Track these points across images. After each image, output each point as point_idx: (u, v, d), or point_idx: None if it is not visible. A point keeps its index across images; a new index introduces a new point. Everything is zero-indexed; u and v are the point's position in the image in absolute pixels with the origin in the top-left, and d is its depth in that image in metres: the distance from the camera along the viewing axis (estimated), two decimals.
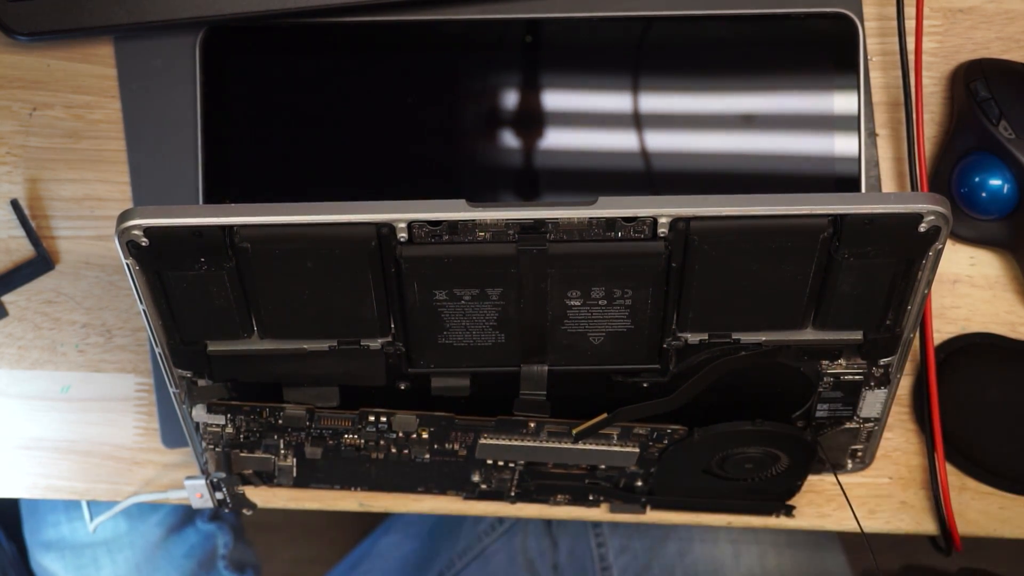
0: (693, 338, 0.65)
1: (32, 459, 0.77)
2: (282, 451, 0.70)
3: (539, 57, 0.73)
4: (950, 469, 0.75)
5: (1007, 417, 0.74)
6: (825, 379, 0.68)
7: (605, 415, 0.68)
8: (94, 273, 0.76)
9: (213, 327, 0.63)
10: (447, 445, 0.69)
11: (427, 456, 0.70)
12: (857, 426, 0.71)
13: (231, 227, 0.58)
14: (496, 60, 0.73)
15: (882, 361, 0.67)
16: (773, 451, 0.69)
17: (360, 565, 1.05)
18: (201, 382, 0.67)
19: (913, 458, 0.76)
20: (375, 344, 0.65)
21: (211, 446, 0.70)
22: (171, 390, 0.67)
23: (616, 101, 0.72)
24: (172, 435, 0.76)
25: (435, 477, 0.71)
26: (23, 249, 0.76)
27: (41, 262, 0.75)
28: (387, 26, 0.73)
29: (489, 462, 0.70)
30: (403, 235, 0.59)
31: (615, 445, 0.68)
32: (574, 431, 0.70)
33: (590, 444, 0.68)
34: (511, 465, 0.70)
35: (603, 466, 0.70)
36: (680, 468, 0.70)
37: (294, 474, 0.71)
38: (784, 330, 0.64)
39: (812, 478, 0.75)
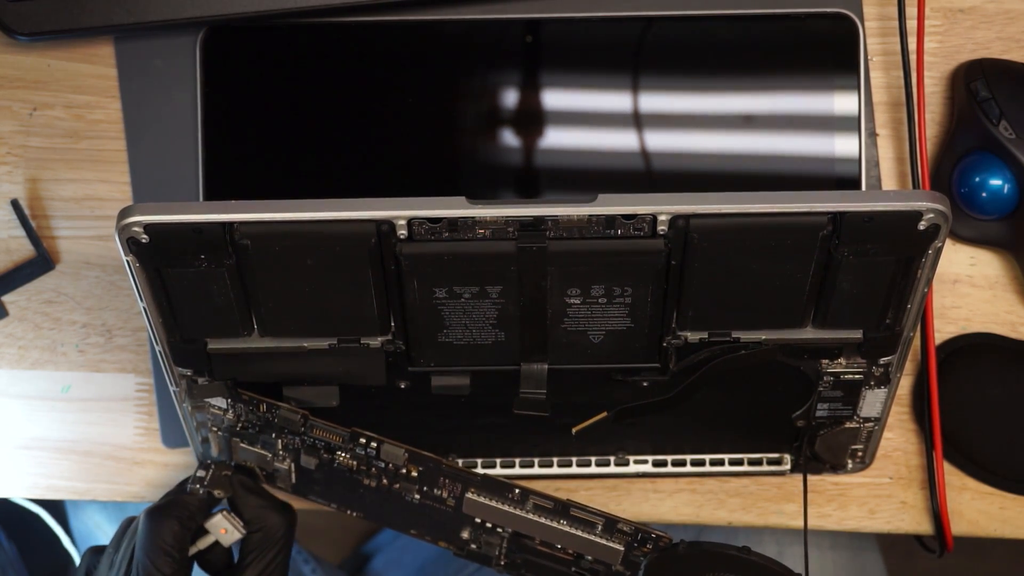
0: (693, 336, 0.64)
1: (32, 459, 0.77)
2: (280, 451, 0.69)
3: (539, 57, 0.73)
4: (951, 469, 0.75)
5: (1007, 417, 0.74)
6: (825, 378, 0.68)
7: (604, 413, 0.69)
8: (94, 273, 0.76)
9: (213, 325, 0.63)
10: (436, 491, 0.68)
11: (417, 497, 0.69)
12: (857, 426, 0.71)
13: (231, 224, 0.58)
14: (496, 60, 0.73)
15: (882, 360, 0.66)
16: None
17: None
18: (201, 381, 0.67)
19: (913, 458, 0.76)
20: (375, 342, 0.65)
21: (214, 428, 0.69)
22: (171, 388, 0.67)
23: (616, 101, 0.72)
24: (172, 435, 0.76)
25: (426, 523, 0.71)
26: (23, 249, 0.76)
27: (41, 262, 0.75)
28: (387, 26, 0.73)
29: (478, 520, 0.69)
30: (403, 232, 0.59)
31: (599, 537, 0.67)
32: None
33: (575, 528, 0.67)
34: (499, 530, 0.70)
35: (589, 557, 0.69)
36: None
37: (292, 480, 0.71)
38: (784, 329, 0.64)
39: (812, 478, 0.75)
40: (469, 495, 0.68)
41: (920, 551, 0.78)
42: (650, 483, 0.76)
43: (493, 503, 0.68)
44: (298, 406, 0.68)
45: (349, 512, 0.72)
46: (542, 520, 0.67)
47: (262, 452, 0.69)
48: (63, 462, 0.77)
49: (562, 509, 0.67)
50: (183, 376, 0.67)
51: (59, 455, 0.77)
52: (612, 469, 0.74)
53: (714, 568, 0.66)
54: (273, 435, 0.69)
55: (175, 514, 0.68)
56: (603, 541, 0.67)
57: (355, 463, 0.68)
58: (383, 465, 0.68)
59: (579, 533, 0.67)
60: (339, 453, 0.68)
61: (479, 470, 0.71)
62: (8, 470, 0.77)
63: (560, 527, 0.67)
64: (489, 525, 0.69)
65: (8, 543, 0.98)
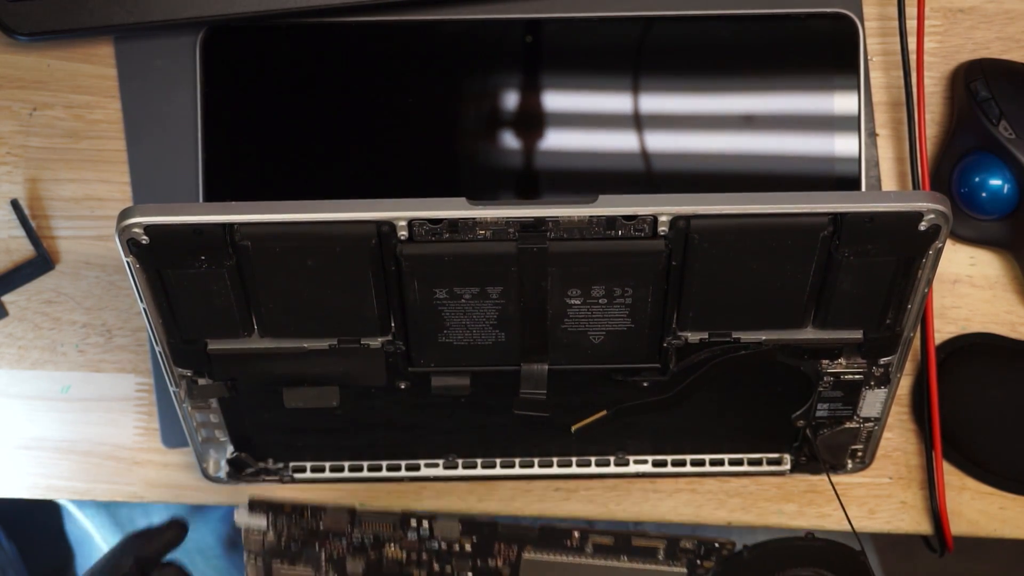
0: (693, 337, 0.65)
1: (32, 459, 0.77)
2: (323, 564, 0.69)
3: (539, 57, 0.73)
4: (951, 469, 0.75)
5: (1007, 417, 0.74)
6: (825, 378, 0.68)
7: (604, 412, 0.69)
8: (94, 273, 0.76)
9: (213, 325, 0.63)
10: (491, 561, 0.68)
11: (469, 575, 0.69)
12: (857, 426, 0.71)
13: (231, 225, 0.58)
14: (496, 60, 0.73)
15: (882, 360, 0.67)
16: (825, 574, 0.67)
17: None
18: (201, 381, 0.67)
19: (913, 458, 0.76)
20: (375, 343, 0.65)
21: (252, 557, 0.69)
22: (171, 389, 0.67)
23: (616, 101, 0.72)
24: (172, 435, 0.76)
25: None
26: (23, 249, 0.76)
27: (41, 262, 0.75)
28: (387, 26, 0.73)
29: None
30: (403, 233, 0.59)
31: (662, 564, 0.67)
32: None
33: (638, 562, 0.67)
34: None
35: None
36: None
37: None
38: (784, 329, 0.64)
39: (813, 479, 0.75)
40: (526, 555, 0.67)
41: (920, 551, 0.78)
42: (650, 483, 0.76)
43: (551, 557, 0.67)
44: (298, 411, 0.68)
45: None
46: (603, 562, 0.67)
47: (304, 570, 0.69)
48: (63, 462, 0.77)
49: (623, 543, 0.66)
50: (183, 376, 0.67)
51: (59, 455, 0.77)
52: (612, 469, 0.74)
53: (781, 565, 0.66)
54: (317, 546, 0.68)
55: None
56: (666, 567, 0.67)
57: (405, 554, 0.68)
58: (436, 546, 0.67)
59: (642, 566, 0.67)
60: (388, 545, 0.68)
61: (527, 520, 0.70)
62: (8, 470, 0.77)
63: (622, 565, 0.67)
64: None
65: (8, 543, 0.98)
